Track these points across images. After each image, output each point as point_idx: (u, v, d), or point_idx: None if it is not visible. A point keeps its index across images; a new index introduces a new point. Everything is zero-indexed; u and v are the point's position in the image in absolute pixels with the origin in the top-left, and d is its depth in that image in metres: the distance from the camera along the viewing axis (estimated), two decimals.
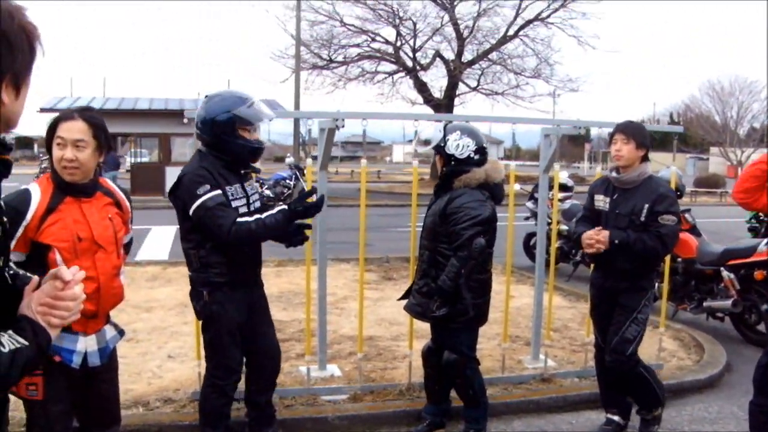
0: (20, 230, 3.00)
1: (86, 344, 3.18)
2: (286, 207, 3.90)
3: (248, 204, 4.07)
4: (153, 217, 16.61)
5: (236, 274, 4.07)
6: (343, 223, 12.30)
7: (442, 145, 4.57)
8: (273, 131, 74.17)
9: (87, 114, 3.20)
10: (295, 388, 5.39)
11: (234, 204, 3.99)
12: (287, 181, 22.18)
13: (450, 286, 4.35)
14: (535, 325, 6.22)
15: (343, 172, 41.52)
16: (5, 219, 1.83)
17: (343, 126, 5.11)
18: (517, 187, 11.99)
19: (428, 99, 29.52)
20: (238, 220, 3.84)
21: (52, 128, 3.13)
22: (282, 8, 34.09)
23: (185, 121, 5.23)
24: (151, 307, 8.17)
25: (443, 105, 28.47)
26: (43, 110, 25.94)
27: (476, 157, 4.53)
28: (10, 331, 1.66)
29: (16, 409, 3.62)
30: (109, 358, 3.36)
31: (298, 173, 21.99)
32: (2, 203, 1.85)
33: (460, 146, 4.53)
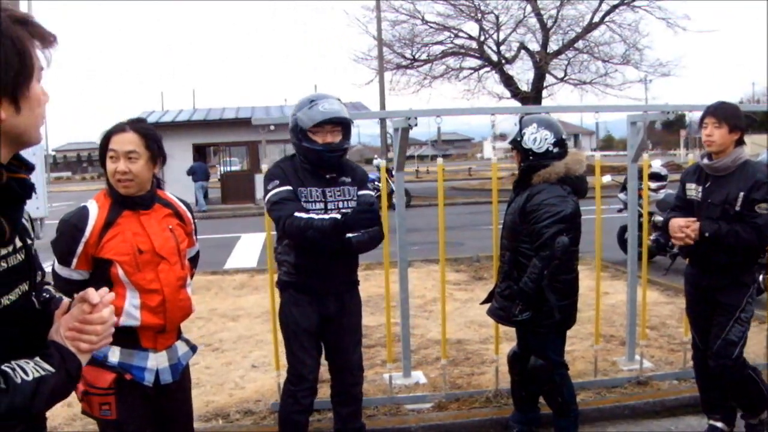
0: (80, 247, 2.97)
1: (157, 361, 3.11)
2: (338, 216, 3.76)
3: (325, 210, 3.94)
4: (242, 225, 16.88)
5: (302, 277, 4.02)
6: (434, 222, 12.15)
7: (519, 139, 4.32)
8: (363, 133, 74.78)
9: (138, 125, 3.13)
10: (377, 397, 5.23)
11: (306, 207, 3.91)
12: (376, 183, 22.15)
13: (532, 288, 4.10)
14: (629, 324, 5.86)
15: (434, 171, 41.30)
16: (30, 240, 1.77)
17: (415, 125, 4.92)
18: (607, 178, 11.68)
19: (515, 93, 29.00)
20: (295, 214, 3.76)
21: (105, 142, 3.07)
22: (362, 9, 34.25)
23: (272, 128, 5.21)
24: (238, 316, 8.19)
25: (531, 98, 27.89)
26: None
27: (555, 150, 4.26)
28: (37, 358, 1.60)
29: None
30: (182, 375, 3.26)
31: (386, 175, 21.98)
32: (26, 221, 1.78)
33: (537, 139, 4.27)
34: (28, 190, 1.64)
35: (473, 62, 29.92)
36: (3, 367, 1.54)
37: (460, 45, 29.34)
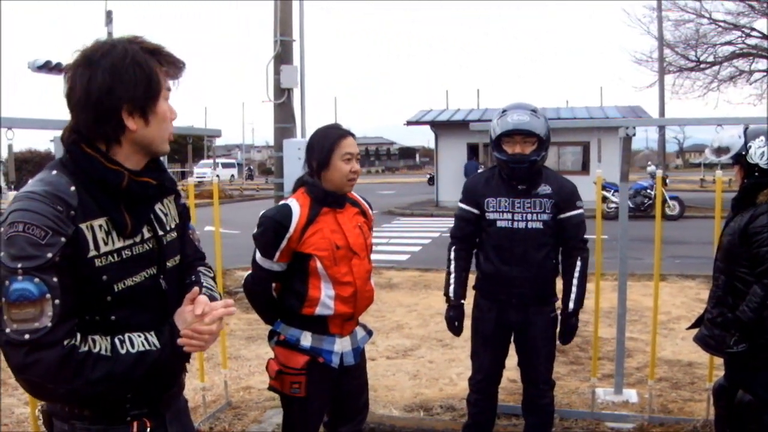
0: (284, 242, 3.25)
1: (342, 345, 3.38)
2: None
3: (512, 221, 4.06)
4: None
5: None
6: (705, 236, 11.44)
7: (744, 153, 3.99)
8: (650, 139, 71.69)
9: (352, 132, 3.42)
10: (579, 410, 5.15)
11: (492, 216, 4.09)
12: (648, 191, 21.32)
13: (751, 318, 3.76)
14: None
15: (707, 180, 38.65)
16: (162, 232, 2.06)
17: (634, 134, 4.77)
18: None
19: None
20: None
21: (333, 144, 3.32)
22: (643, 8, 32.74)
23: None
24: None
25: None
26: (409, 123, 27.91)
27: None
28: (151, 332, 1.91)
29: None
30: (361, 357, 3.52)
31: (619, 183, 20.99)
32: (163, 216, 2.11)
33: (765, 154, 3.93)
34: (151, 191, 1.97)
35: (766, 64, 27.54)
36: (116, 338, 1.83)
37: (752, 45, 27.05)
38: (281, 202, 3.39)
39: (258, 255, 3.36)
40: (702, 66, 27.70)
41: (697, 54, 27.37)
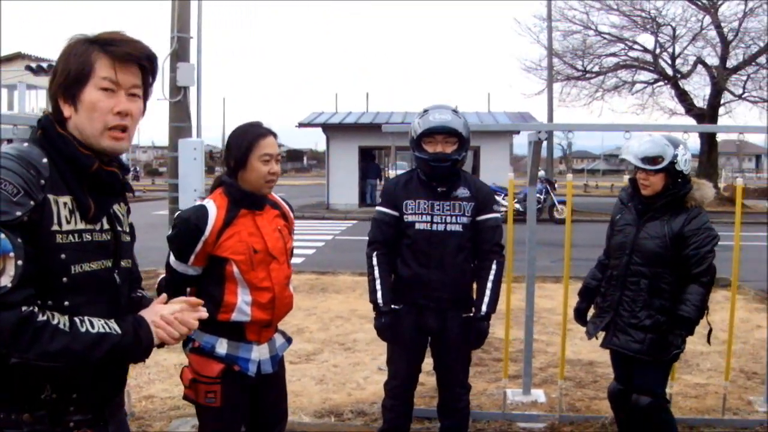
0: (199, 245, 3.10)
1: (260, 353, 3.24)
2: None
3: (431, 223, 4.01)
4: None
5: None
6: (594, 239, 11.77)
7: (674, 161, 4.06)
8: (524, 144, 73.56)
9: (273, 131, 3.28)
10: (491, 412, 5.18)
11: (410, 219, 4.03)
12: (538, 195, 21.89)
13: (697, 316, 3.91)
14: None
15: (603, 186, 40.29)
16: (120, 228, 2.06)
17: (546, 138, 4.83)
18: None
19: (689, 109, 27.64)
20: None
21: (251, 144, 3.18)
22: (533, 19, 33.70)
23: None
24: None
25: (706, 115, 26.52)
26: (301, 125, 27.76)
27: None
28: (111, 320, 1.86)
29: None
30: (279, 365, 3.39)
31: (548, 187, 21.79)
32: (121, 216, 2.11)
33: (687, 161, 4.05)
34: (118, 183, 2.00)
35: (647, 76, 28.75)
36: (75, 317, 1.78)
37: (634, 57, 28.27)
38: (197, 203, 3.23)
39: (172, 258, 3.19)
40: (588, 75, 28.67)
41: (583, 64, 28.33)
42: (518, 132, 24.05)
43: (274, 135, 3.25)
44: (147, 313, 1.97)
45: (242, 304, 3.13)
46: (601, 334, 4.30)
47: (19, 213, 1.69)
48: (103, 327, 1.81)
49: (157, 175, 58.34)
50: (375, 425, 4.88)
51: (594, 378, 6.16)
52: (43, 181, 1.77)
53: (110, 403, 2.01)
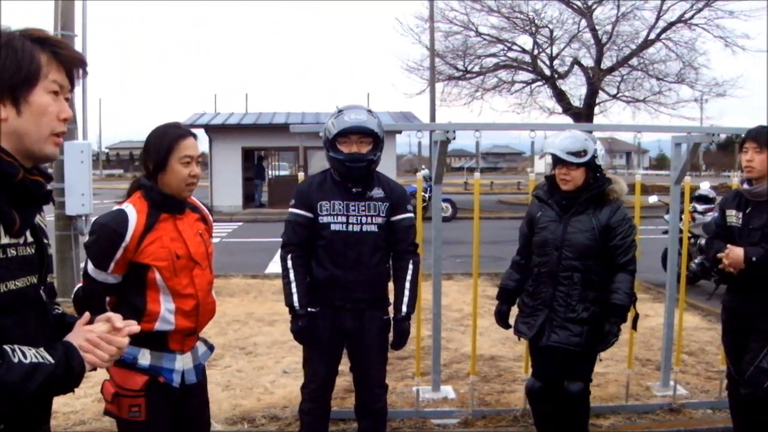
0: (119, 252, 2.96)
1: (183, 362, 3.13)
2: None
3: (347, 224, 3.98)
4: None
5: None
6: (486, 235, 12.00)
7: (595, 156, 4.14)
8: (413, 143, 74.74)
9: (192, 132, 3.19)
10: (404, 410, 5.21)
11: (325, 220, 3.99)
12: (423, 194, 22.12)
13: (627, 303, 4.07)
14: (665, 348, 5.71)
15: (484, 183, 41.17)
16: (46, 241, 1.93)
17: (454, 138, 4.89)
18: (653, 198, 11.50)
19: (566, 108, 28.72)
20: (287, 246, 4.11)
21: (170, 145, 3.06)
22: (415, 19, 34.08)
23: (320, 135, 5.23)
24: (275, 321, 8.21)
25: (582, 114, 27.61)
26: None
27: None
28: (41, 349, 1.71)
29: None
30: (202, 374, 3.30)
31: (432, 186, 22.03)
32: (43, 226, 1.95)
33: (602, 156, 4.19)
34: (43, 194, 1.82)
35: (526, 76, 29.74)
36: (5, 346, 1.62)
37: (513, 58, 29.18)
38: (115, 208, 3.07)
39: (90, 266, 3.03)
40: (468, 75, 29.34)
41: (464, 64, 28.96)
42: (400, 132, 24.37)
43: (194, 136, 3.16)
44: (73, 338, 1.82)
45: (165, 313, 3.02)
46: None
47: None
48: (35, 357, 1.67)
49: None
50: (290, 429, 4.83)
51: (498, 372, 6.29)
52: None
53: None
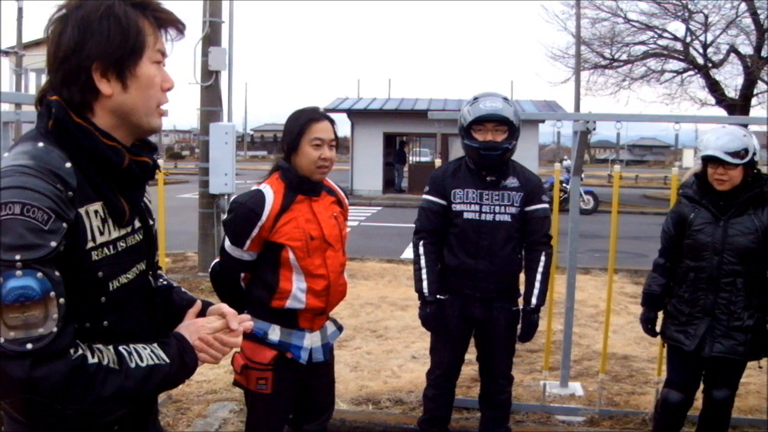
0: (255, 230, 3.06)
1: (311, 341, 3.22)
2: None
3: (480, 213, 3.96)
4: None
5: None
6: (628, 231, 11.66)
7: (755, 153, 3.85)
8: (547, 133, 73.35)
9: (329, 116, 3.24)
10: (530, 403, 5.14)
11: (458, 208, 3.98)
12: (563, 184, 21.69)
13: None
14: None
15: (627, 177, 39.83)
16: (151, 221, 1.84)
17: (594, 128, 4.76)
18: None
19: (720, 99, 27.22)
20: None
21: (302, 128, 3.14)
22: (561, 6, 33.07)
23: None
24: (407, 306, 8.27)
25: (737, 106, 26.11)
26: (325, 110, 27.73)
27: None
28: (155, 345, 1.65)
29: None
30: (330, 353, 3.38)
31: (571, 177, 21.53)
32: (148, 203, 1.87)
33: (758, 153, 3.93)
34: (150, 172, 1.72)
35: (676, 65, 28.30)
36: (120, 348, 1.57)
37: (664, 46, 27.83)
38: (254, 188, 3.18)
39: (227, 243, 3.17)
40: (615, 64, 28.33)
41: (611, 52, 27.98)
42: (543, 121, 23.88)
43: (330, 120, 3.21)
44: (186, 331, 1.74)
45: (297, 291, 3.11)
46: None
47: (53, 243, 1.42)
48: (151, 357, 1.60)
49: (179, 159, 58.47)
50: (413, 414, 4.86)
51: (630, 372, 6.10)
52: (71, 193, 1.49)
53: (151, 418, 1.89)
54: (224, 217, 3.17)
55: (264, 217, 3.06)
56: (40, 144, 1.52)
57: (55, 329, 1.40)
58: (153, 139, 1.81)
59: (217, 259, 3.30)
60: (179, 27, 1.68)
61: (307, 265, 3.11)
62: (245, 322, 1.82)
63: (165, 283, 1.99)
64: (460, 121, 4.02)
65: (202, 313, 1.87)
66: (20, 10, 27.29)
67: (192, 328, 1.75)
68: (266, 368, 3.10)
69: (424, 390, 4.30)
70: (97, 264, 1.56)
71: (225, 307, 1.83)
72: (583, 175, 22.53)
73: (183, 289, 2.02)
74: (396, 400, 5.21)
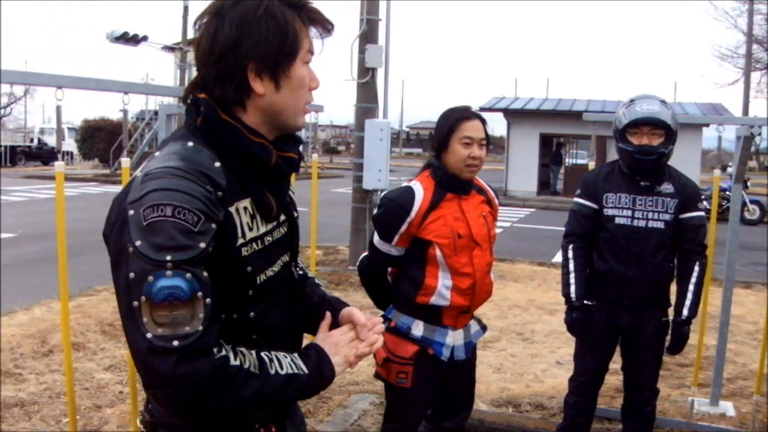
0: (404, 226, 3.13)
1: (454, 338, 3.24)
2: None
3: (632, 218, 3.86)
4: None
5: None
6: None
7: None
8: (725, 138, 69.26)
9: (480, 115, 3.25)
10: (675, 419, 4.95)
11: (610, 212, 3.90)
12: (726, 192, 20.61)
13: None
14: None
15: None
16: (295, 213, 1.88)
17: (759, 133, 4.52)
18: None
19: None
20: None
21: (453, 126, 3.17)
22: (731, 1, 31.10)
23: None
24: (555, 310, 8.16)
25: None
26: (482, 110, 27.60)
27: None
28: (296, 355, 1.68)
29: None
30: (472, 352, 3.38)
31: (732, 185, 20.38)
32: (292, 194, 1.89)
33: None
34: (295, 166, 1.74)
35: None
36: (262, 354, 1.60)
37: None
38: (404, 184, 3.25)
39: (376, 237, 3.25)
40: None
41: None
42: (708, 125, 22.76)
43: (481, 119, 3.21)
44: (326, 345, 1.76)
45: (442, 288, 3.14)
46: None
47: (203, 245, 1.44)
48: (291, 366, 1.62)
49: (334, 154, 59.95)
50: (554, 420, 4.79)
51: None
52: (220, 194, 1.52)
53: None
54: (375, 212, 3.25)
55: (413, 214, 3.11)
56: (190, 143, 1.57)
57: (200, 328, 1.44)
58: (306, 133, 1.85)
59: (365, 253, 3.38)
60: (328, 27, 1.69)
61: (454, 263, 3.13)
62: (377, 326, 1.83)
63: (301, 272, 2.00)
64: (615, 124, 3.93)
65: (332, 316, 1.89)
66: (186, 8, 28.84)
67: (329, 341, 1.78)
68: (407, 362, 3.15)
69: (566, 396, 4.24)
70: (246, 259, 1.60)
71: (355, 314, 1.85)
72: (749, 183, 21.41)
73: (316, 281, 2.05)
74: (537, 404, 5.17)
